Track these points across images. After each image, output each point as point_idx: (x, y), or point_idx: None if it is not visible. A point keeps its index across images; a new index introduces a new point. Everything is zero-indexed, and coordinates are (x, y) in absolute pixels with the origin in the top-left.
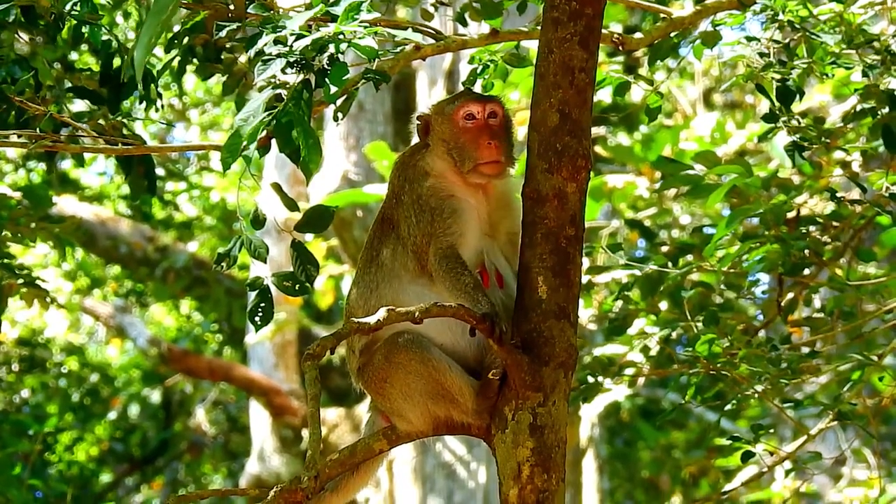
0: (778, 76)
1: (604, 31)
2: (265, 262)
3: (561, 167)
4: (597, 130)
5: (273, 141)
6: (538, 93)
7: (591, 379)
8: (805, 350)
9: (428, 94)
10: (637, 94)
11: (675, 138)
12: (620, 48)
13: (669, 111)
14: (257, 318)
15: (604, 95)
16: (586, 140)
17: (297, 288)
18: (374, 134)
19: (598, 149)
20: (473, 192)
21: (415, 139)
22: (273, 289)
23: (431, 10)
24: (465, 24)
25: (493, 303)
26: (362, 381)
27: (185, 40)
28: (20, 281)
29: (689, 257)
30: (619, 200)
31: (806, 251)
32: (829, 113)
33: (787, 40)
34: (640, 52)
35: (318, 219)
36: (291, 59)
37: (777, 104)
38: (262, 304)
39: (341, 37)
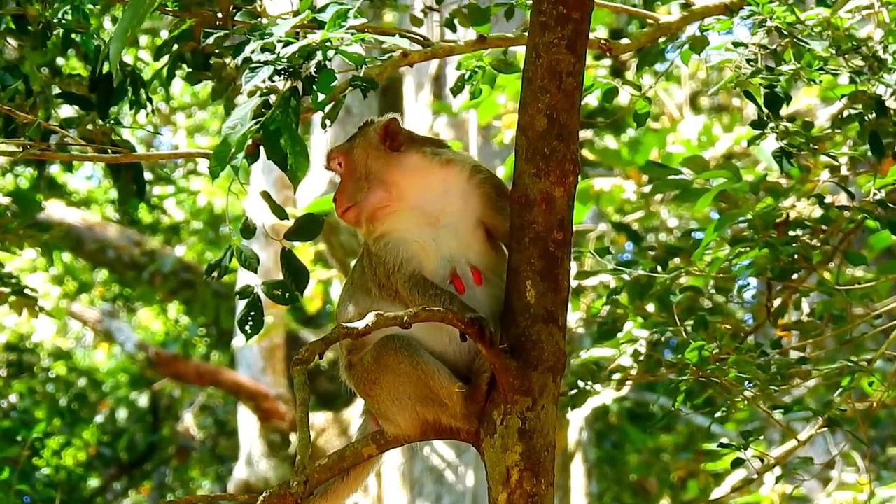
0: (765, 82)
1: (591, 35)
2: (256, 272)
3: (549, 171)
4: (584, 133)
5: (261, 148)
6: (526, 97)
7: (581, 384)
8: (794, 355)
9: (415, 99)
10: (624, 96)
11: (662, 141)
12: (608, 53)
13: (656, 114)
14: (247, 328)
15: (591, 99)
16: (574, 144)
17: (286, 296)
18: None
19: (585, 152)
20: (389, 214)
21: None
22: (262, 295)
23: (421, 15)
24: (454, 29)
25: (475, 310)
26: (352, 381)
27: (174, 48)
28: (8, 290)
29: (678, 261)
30: (607, 203)
31: (795, 255)
32: (816, 116)
33: (774, 46)
34: (626, 56)
35: (308, 227)
36: (279, 67)
37: (765, 110)
38: (252, 314)
39: (329, 44)
